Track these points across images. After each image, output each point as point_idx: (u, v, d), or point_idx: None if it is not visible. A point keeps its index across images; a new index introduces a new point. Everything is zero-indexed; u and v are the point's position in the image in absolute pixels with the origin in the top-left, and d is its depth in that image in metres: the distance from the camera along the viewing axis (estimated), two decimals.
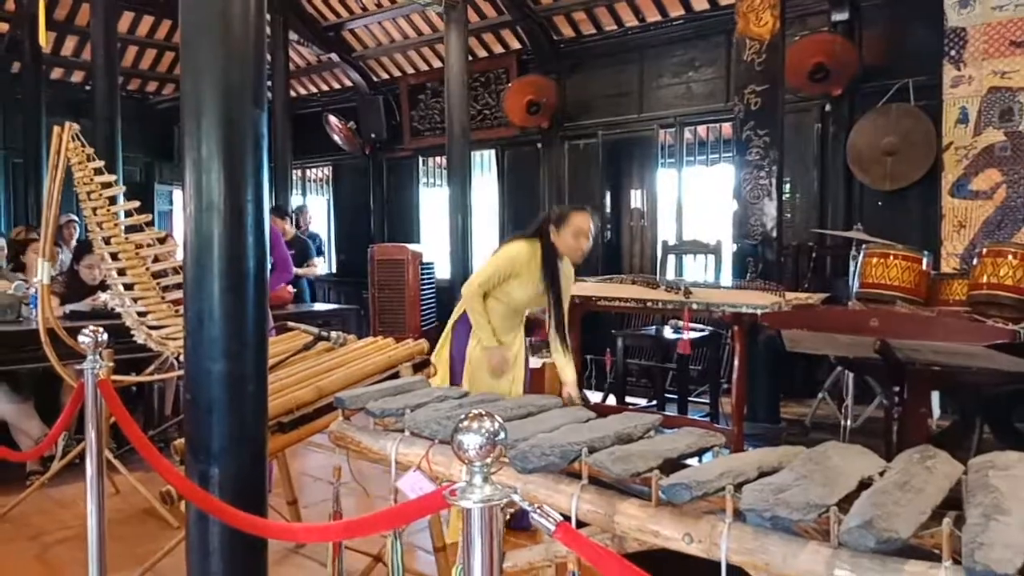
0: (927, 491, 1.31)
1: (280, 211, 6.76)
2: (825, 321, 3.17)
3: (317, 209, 10.41)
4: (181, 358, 2.48)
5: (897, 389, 3.24)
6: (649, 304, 4.44)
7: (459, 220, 6.95)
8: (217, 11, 1.93)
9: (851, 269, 3.95)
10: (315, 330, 2.90)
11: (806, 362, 4.45)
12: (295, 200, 9.38)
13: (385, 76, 9.41)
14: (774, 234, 5.21)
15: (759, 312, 3.88)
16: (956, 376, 3.22)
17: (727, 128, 6.47)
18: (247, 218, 1.97)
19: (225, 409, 1.95)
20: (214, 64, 1.93)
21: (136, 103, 10.54)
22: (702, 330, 5.16)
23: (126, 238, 3.46)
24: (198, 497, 1.89)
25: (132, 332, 3.56)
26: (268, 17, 2.35)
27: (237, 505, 1.83)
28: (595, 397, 5.53)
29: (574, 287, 3.67)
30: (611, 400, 5.39)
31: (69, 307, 4.41)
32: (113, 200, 3.50)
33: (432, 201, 9.30)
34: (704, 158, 7.03)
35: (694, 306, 4.19)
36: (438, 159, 8.89)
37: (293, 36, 9.13)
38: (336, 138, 9.47)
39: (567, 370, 3.25)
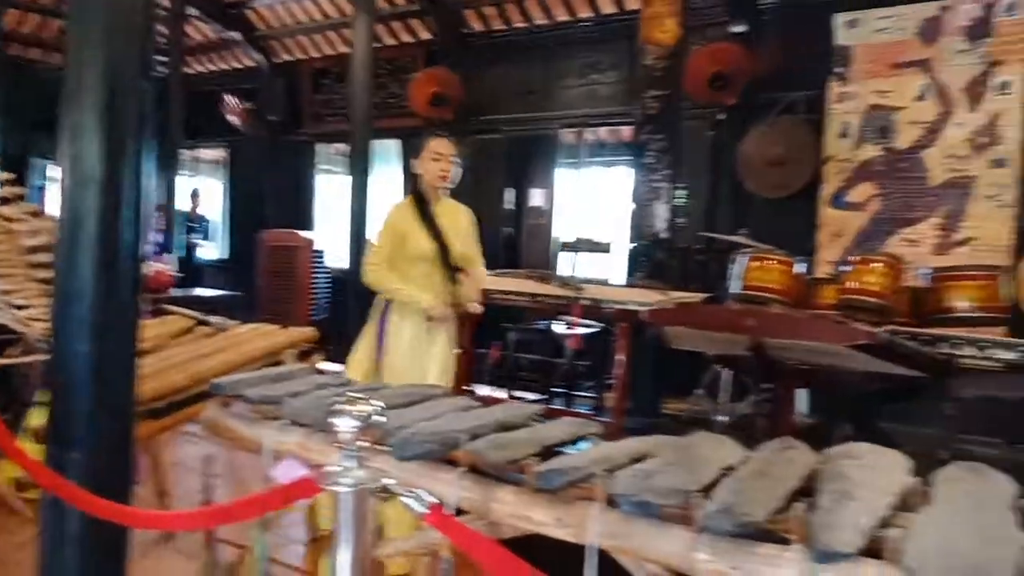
0: (784, 479, 1.37)
1: None
2: (704, 319, 3.28)
3: (211, 192, 10.02)
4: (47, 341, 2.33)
5: (768, 386, 3.40)
6: (541, 299, 4.47)
7: (358, 208, 6.81)
8: None
9: (729, 271, 4.12)
10: (195, 314, 2.79)
11: (689, 360, 4.59)
12: (188, 182, 8.94)
13: (288, 58, 9.11)
14: (665, 235, 5.37)
15: (644, 309, 3.97)
16: (823, 375, 3.41)
17: (627, 131, 6.62)
18: (124, 192, 1.91)
19: (90, 391, 1.87)
20: (99, 30, 1.87)
21: (16, 69, 9.78)
22: (592, 326, 5.26)
23: None
24: (53, 483, 1.78)
25: None
26: None
27: (98, 492, 1.74)
28: (483, 391, 5.52)
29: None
30: (501, 394, 5.42)
31: None
32: None
33: (329, 189, 9.11)
34: (604, 159, 7.18)
35: (584, 302, 4.25)
36: (338, 146, 8.70)
37: (193, 12, 8.72)
38: (232, 119, 9.12)
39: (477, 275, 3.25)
